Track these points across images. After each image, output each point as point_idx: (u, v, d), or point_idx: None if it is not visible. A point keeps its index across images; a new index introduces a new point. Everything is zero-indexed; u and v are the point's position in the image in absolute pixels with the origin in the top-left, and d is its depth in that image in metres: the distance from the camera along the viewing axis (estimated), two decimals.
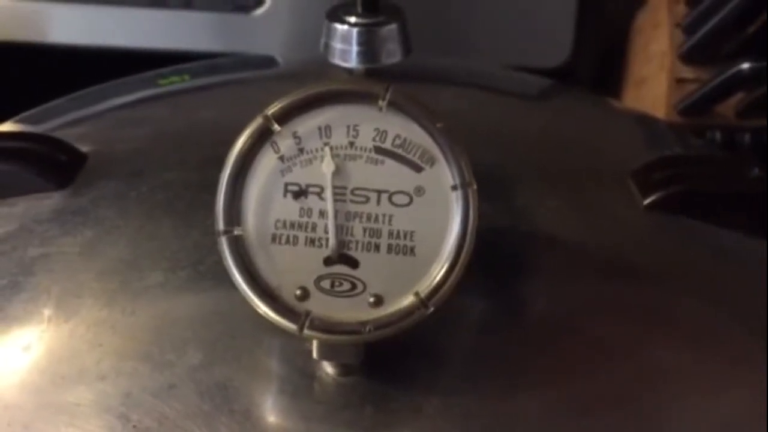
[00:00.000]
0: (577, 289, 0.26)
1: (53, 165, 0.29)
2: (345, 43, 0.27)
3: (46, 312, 0.24)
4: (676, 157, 0.34)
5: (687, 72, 0.60)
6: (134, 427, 0.21)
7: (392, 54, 0.25)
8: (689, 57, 0.59)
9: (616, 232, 0.29)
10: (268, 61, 0.50)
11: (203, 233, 0.25)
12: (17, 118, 0.35)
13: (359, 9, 0.26)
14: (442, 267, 0.20)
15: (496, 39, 0.56)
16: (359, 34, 0.26)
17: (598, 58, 0.67)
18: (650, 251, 0.29)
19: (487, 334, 0.24)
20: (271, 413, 0.22)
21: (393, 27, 0.27)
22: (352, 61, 0.26)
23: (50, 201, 0.28)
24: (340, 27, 0.27)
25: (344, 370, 0.21)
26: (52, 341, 0.24)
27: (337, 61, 0.26)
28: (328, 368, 0.21)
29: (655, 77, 0.63)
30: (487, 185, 0.22)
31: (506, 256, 0.26)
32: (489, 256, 0.24)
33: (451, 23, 0.53)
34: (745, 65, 0.52)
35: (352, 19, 0.26)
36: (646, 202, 0.29)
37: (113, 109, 0.35)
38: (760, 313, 0.27)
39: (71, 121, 0.34)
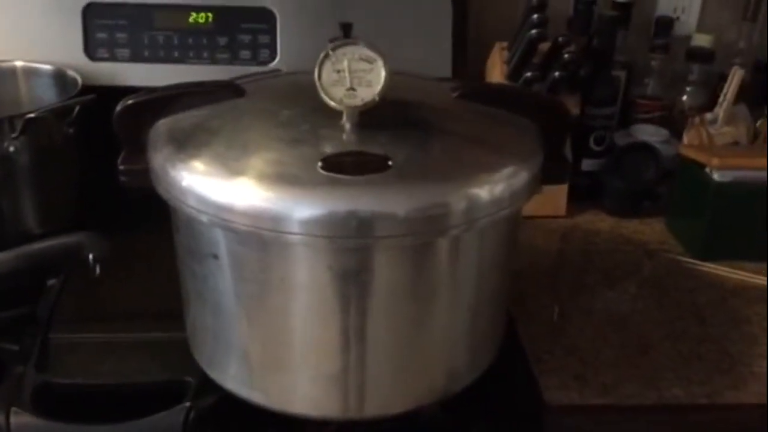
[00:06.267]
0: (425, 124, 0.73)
1: (233, 90, 0.76)
2: None
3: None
4: (478, 83, 0.84)
5: None
6: None
7: None
8: (509, 78, 1.06)
9: (441, 107, 0.76)
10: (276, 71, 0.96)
11: (302, 113, 0.72)
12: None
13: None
14: (379, 89, 0.68)
15: None
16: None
17: None
18: (455, 116, 0.76)
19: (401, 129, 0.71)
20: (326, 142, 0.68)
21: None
22: None
23: (229, 104, 0.75)
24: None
25: (357, 127, 0.68)
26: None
27: None
28: (347, 125, 0.68)
29: None
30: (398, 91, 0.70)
31: (397, 104, 0.73)
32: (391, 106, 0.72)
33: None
34: (528, 74, 1.00)
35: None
36: (454, 95, 0.77)
37: (245, 77, 0.82)
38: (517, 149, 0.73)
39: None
